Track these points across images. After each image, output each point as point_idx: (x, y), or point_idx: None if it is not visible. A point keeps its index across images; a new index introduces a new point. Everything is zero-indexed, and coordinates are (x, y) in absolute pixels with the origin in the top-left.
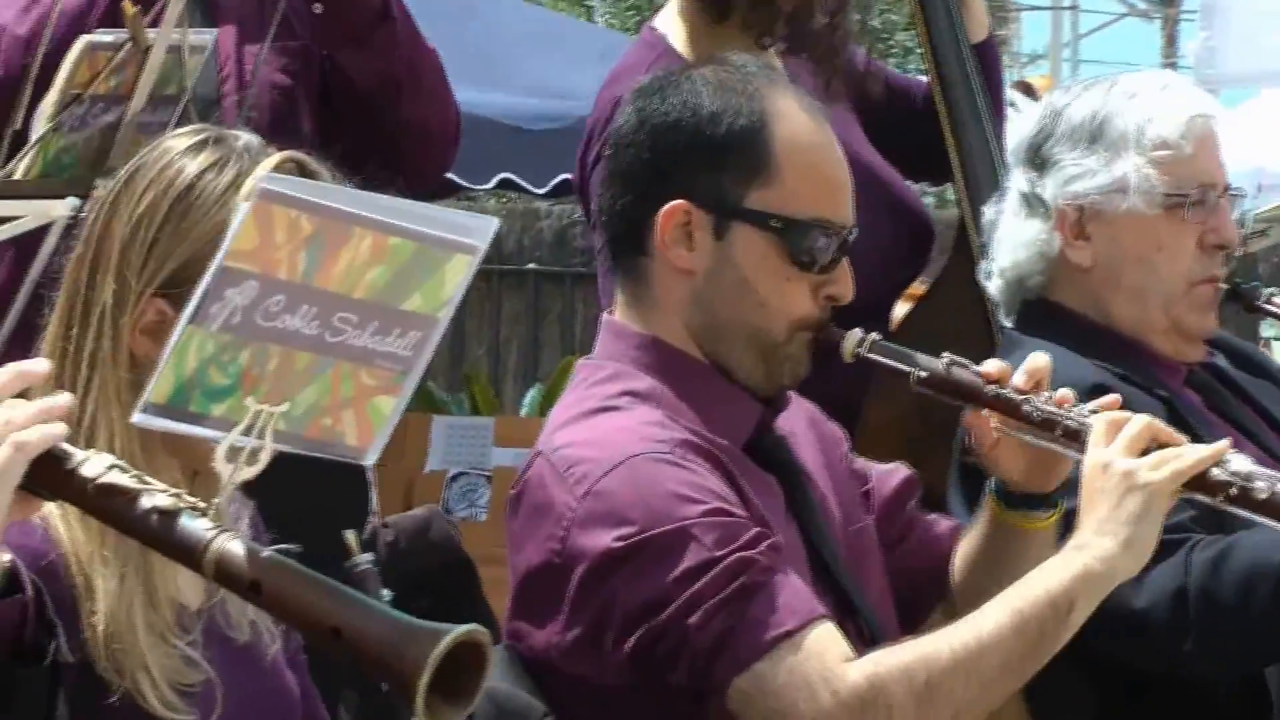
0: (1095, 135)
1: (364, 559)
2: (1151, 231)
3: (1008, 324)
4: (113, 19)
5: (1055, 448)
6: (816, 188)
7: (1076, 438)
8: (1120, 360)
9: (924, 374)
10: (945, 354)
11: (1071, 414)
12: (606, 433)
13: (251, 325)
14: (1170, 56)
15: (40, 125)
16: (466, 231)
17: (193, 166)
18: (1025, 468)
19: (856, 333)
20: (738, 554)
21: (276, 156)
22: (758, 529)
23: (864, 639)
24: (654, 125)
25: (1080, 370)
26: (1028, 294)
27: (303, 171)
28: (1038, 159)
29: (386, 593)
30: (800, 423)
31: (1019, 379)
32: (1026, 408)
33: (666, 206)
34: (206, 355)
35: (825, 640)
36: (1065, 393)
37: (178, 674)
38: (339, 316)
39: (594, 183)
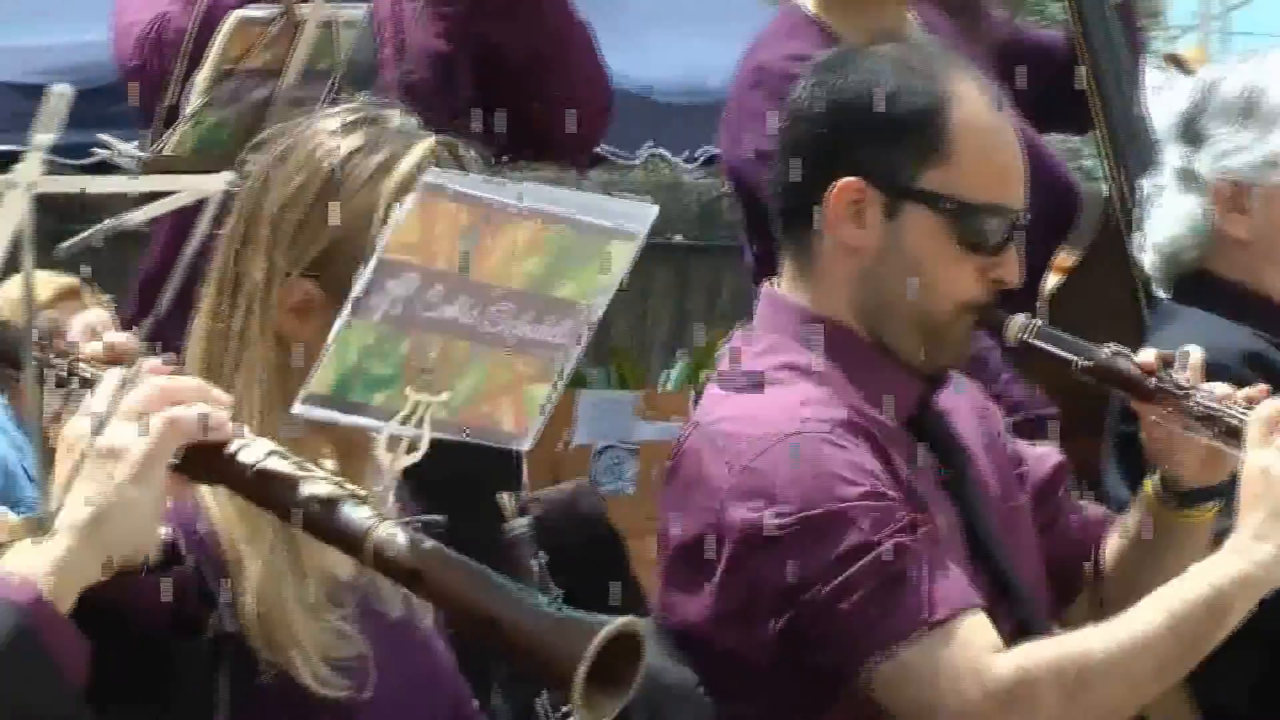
0: (1248, 110)
1: (520, 523)
2: None
3: (1163, 295)
4: None
5: (1215, 443)
6: (991, 171)
7: (1236, 435)
8: (1275, 328)
9: (1087, 363)
10: (1109, 344)
11: (1232, 410)
12: (765, 408)
13: (412, 316)
14: None
15: (193, 100)
16: (625, 218)
17: (343, 148)
18: (1198, 460)
19: (1021, 318)
20: (893, 540)
21: (429, 141)
22: (914, 514)
23: (1017, 618)
24: (832, 101)
25: (1234, 336)
26: (1183, 267)
27: (454, 155)
28: (1191, 134)
29: (541, 557)
30: (962, 399)
31: (1182, 375)
32: (1187, 402)
33: (840, 183)
34: (368, 345)
35: (975, 631)
36: (1225, 388)
37: (331, 648)
38: (497, 306)
39: (724, 137)
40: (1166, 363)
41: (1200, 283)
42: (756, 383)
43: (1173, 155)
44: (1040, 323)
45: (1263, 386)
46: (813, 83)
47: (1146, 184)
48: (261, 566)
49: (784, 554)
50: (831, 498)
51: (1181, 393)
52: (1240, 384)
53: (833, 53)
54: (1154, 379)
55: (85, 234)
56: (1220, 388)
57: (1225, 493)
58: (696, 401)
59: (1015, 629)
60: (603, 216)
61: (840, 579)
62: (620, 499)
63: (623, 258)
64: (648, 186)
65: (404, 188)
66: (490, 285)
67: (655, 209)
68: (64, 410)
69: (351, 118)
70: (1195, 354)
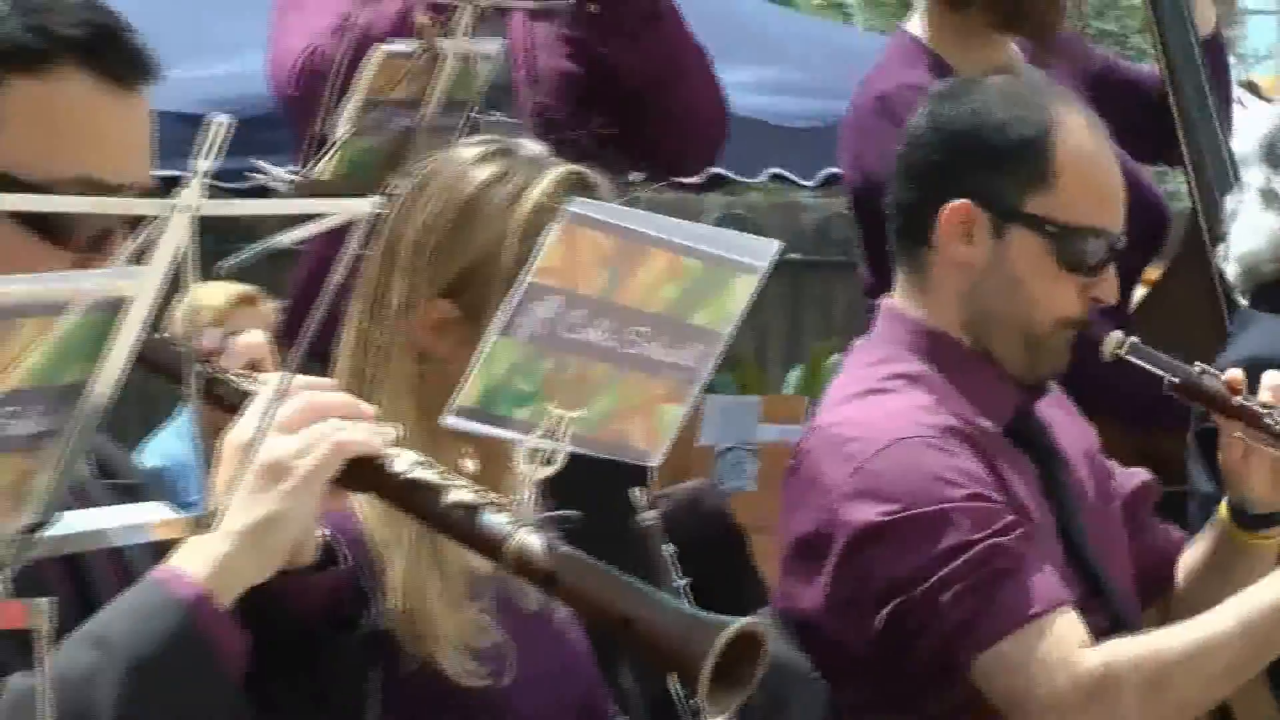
0: None
1: (650, 515)
2: None
3: (1244, 302)
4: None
5: None
6: (1092, 197)
7: None
8: None
9: (1177, 380)
10: (1198, 364)
11: None
12: (878, 414)
13: (554, 337)
14: None
15: (341, 129)
16: (751, 253)
17: (479, 177)
18: (1270, 481)
19: (1117, 334)
20: (992, 540)
21: (558, 169)
22: (1012, 516)
23: (1109, 617)
24: (945, 128)
25: None
26: (1262, 278)
27: (584, 182)
28: (1274, 156)
29: (670, 548)
30: (1059, 411)
31: (1264, 395)
32: (1268, 420)
33: (950, 204)
34: (513, 364)
35: (1066, 626)
36: None
37: (471, 639)
38: (633, 330)
39: (846, 161)
40: (1245, 384)
41: (1278, 291)
42: (870, 390)
43: (1255, 176)
44: (1135, 340)
45: None
46: (928, 111)
47: (1229, 202)
48: (404, 565)
49: (890, 551)
50: (936, 499)
51: (1263, 411)
52: None
53: (946, 84)
54: (1238, 397)
55: (244, 253)
56: None
57: None
58: (814, 406)
59: (1107, 626)
60: (728, 250)
61: (939, 575)
62: (742, 496)
63: (745, 291)
64: (764, 206)
65: (535, 214)
66: (629, 310)
67: (777, 244)
68: (221, 419)
69: (487, 148)
70: (1272, 377)
